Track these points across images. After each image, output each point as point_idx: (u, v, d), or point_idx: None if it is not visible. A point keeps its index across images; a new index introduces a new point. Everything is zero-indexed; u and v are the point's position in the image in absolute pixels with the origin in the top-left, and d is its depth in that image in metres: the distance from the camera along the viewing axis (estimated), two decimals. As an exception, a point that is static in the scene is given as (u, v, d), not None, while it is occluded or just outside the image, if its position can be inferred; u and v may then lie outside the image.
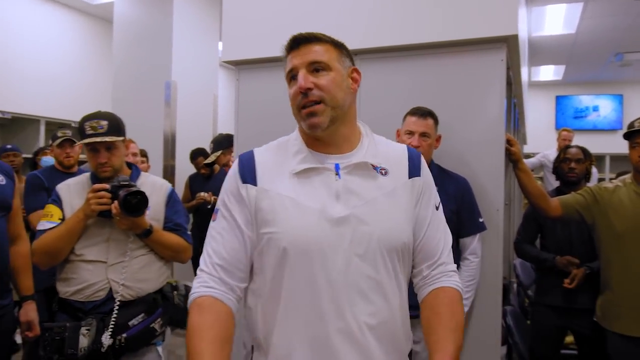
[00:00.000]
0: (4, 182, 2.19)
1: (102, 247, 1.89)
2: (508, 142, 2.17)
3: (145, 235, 1.92)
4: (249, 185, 1.13)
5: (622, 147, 2.63)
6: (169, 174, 4.56)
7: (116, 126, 1.97)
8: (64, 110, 5.47)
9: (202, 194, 4.23)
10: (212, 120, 5.09)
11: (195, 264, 4.24)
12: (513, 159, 2.25)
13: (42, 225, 1.89)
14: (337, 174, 1.11)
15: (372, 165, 1.13)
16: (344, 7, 2.33)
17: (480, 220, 2.07)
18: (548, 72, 8.20)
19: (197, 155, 4.46)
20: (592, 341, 2.56)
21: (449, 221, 2.00)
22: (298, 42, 1.14)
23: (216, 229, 1.14)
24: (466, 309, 2.06)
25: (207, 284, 1.10)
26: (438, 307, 1.13)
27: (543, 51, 6.77)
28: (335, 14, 2.34)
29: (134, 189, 1.81)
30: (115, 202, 1.80)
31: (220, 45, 5.16)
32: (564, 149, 2.93)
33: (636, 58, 7.01)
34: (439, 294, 1.15)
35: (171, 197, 2.10)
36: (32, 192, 3.08)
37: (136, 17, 4.71)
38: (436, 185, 2.04)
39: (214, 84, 5.08)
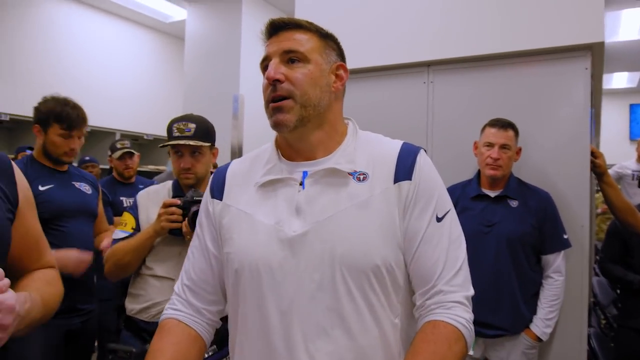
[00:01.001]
0: (90, 192, 2.33)
1: (173, 263, 1.72)
2: (592, 154, 2.07)
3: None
4: (215, 200, 1.04)
5: None
6: (235, 185, 4.67)
7: (205, 130, 1.81)
8: (138, 123, 5.74)
9: None
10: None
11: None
12: (598, 172, 2.14)
13: (116, 234, 1.82)
14: (302, 183, 0.95)
15: (349, 172, 0.95)
16: (416, 18, 2.31)
17: (565, 236, 1.98)
18: (621, 80, 7.80)
19: None
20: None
21: (529, 236, 1.96)
22: (277, 28, 1.00)
23: (190, 248, 1.08)
24: (550, 329, 1.98)
25: (174, 306, 1.03)
26: (418, 344, 0.88)
27: (617, 57, 6.45)
28: (407, 26, 2.33)
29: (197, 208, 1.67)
30: (187, 219, 1.66)
31: (285, 59, 5.27)
32: (651, 160, 2.76)
33: None
34: (426, 329, 0.89)
35: None
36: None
37: (206, 34, 4.90)
38: (516, 199, 2.01)
39: (278, 96, 5.17)
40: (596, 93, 2.99)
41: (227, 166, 1.09)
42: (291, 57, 0.96)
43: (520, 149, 2.06)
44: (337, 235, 0.90)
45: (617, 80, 7.83)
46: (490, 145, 1.99)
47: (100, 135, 5.27)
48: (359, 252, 0.89)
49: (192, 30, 5.00)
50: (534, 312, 1.99)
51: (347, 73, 1.03)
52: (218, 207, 1.03)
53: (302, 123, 0.94)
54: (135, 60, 5.83)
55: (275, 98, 0.93)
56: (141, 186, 3.42)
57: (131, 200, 3.29)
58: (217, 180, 1.06)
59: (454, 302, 0.90)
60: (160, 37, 6.14)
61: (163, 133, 6.28)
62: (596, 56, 2.10)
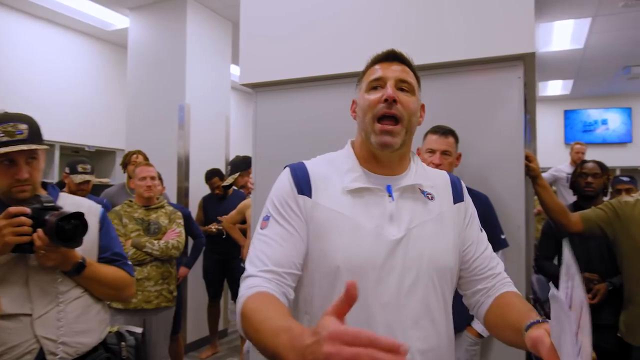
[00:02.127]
0: None
1: (21, 294, 1.44)
2: (527, 158, 2.18)
3: (76, 271, 1.51)
4: (305, 197, 1.09)
5: (632, 159, 2.63)
6: (183, 195, 4.60)
7: (38, 130, 1.55)
8: (79, 135, 5.54)
9: (212, 227, 4.28)
10: (225, 141, 5.14)
11: (211, 291, 4.18)
12: (532, 175, 2.26)
13: None
14: (391, 195, 1.10)
15: (420, 190, 1.13)
16: (360, 29, 2.37)
17: (503, 237, 2.07)
18: (556, 87, 8.22)
19: (212, 175, 4.50)
20: (615, 357, 2.52)
21: (470, 238, 2.04)
22: (392, 57, 1.15)
23: (269, 236, 1.07)
24: (491, 326, 2.05)
25: (259, 284, 1.01)
26: (509, 300, 1.10)
27: (551, 66, 6.80)
28: (351, 35, 2.38)
29: (66, 211, 1.43)
30: (39, 231, 1.40)
31: (232, 68, 5.25)
32: (580, 163, 2.94)
33: (644, 71, 7.03)
34: (505, 295, 1.13)
35: (104, 221, 1.70)
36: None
37: (150, 42, 4.80)
38: (457, 202, 2.08)
39: (226, 106, 5.14)
40: (530, 100, 3.15)
41: (303, 165, 1.15)
42: (403, 87, 1.11)
43: (460, 155, 2.14)
44: (425, 241, 1.08)
45: (552, 88, 8.25)
46: (432, 151, 2.06)
47: (38, 147, 5.06)
48: (441, 256, 1.10)
49: (135, 38, 4.90)
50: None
51: (424, 112, 1.22)
52: (308, 203, 1.09)
53: (401, 145, 1.10)
54: (76, 70, 5.63)
55: (388, 115, 1.07)
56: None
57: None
58: (302, 178, 1.12)
59: (509, 280, 1.19)
60: (102, 46, 5.97)
61: (106, 144, 6.13)
62: (528, 65, 2.21)
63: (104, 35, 5.80)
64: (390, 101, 1.07)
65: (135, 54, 4.89)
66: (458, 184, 1.23)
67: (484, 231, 1.23)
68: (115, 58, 6.06)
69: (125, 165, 3.88)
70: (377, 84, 1.11)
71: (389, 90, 1.08)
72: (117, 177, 5.69)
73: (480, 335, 2.05)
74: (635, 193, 2.41)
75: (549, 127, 8.96)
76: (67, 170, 3.39)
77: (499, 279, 1.17)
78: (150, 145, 4.48)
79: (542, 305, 3.68)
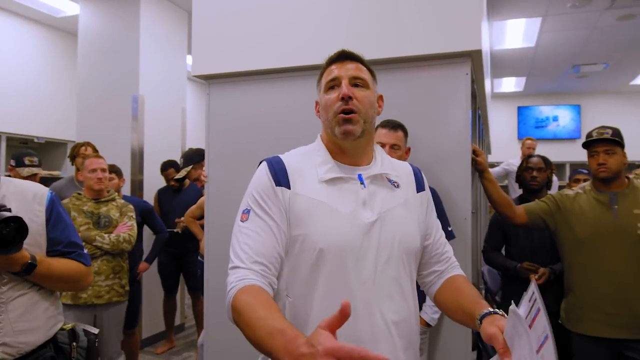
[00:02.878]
0: None
1: None
2: (474, 152, 2.24)
3: (26, 272, 1.45)
4: (284, 188, 1.17)
5: (581, 155, 2.75)
6: (137, 189, 4.50)
7: None
8: (27, 125, 5.33)
9: (178, 226, 4.23)
10: (181, 133, 5.06)
11: (167, 285, 4.13)
12: (479, 169, 2.33)
13: None
14: (362, 183, 1.20)
15: (387, 178, 1.24)
16: (312, 23, 2.37)
17: (449, 228, 2.12)
18: (510, 84, 8.46)
19: (167, 166, 4.43)
20: (556, 343, 2.64)
21: (418, 230, 2.09)
22: (344, 57, 1.25)
23: (250, 228, 1.14)
24: (437, 315, 2.11)
25: (247, 277, 1.07)
26: (459, 284, 1.25)
27: (504, 64, 6.99)
28: (304, 29, 2.38)
29: (2, 214, 1.34)
30: None
31: (188, 58, 5.16)
32: (526, 158, 3.04)
33: (592, 70, 7.32)
34: (455, 278, 1.28)
35: (53, 208, 1.59)
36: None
37: (102, 31, 4.66)
38: (406, 195, 2.13)
39: (182, 97, 5.05)
40: (480, 96, 3.24)
41: (279, 159, 1.23)
42: (357, 83, 1.21)
43: (409, 149, 2.18)
44: (396, 224, 1.19)
45: (506, 84, 8.49)
46: (381, 144, 2.09)
47: (-17, 138, 4.85)
48: (410, 238, 1.21)
49: (86, 26, 4.74)
50: (424, 299, 2.12)
51: (383, 102, 1.32)
52: (287, 194, 1.16)
53: (362, 135, 1.19)
54: (23, 58, 5.39)
55: (346, 111, 1.17)
56: None
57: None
58: (280, 171, 1.19)
59: (457, 264, 1.34)
60: (51, 33, 5.73)
61: (55, 135, 5.93)
62: (476, 62, 2.27)
63: (53, 22, 5.59)
64: (346, 98, 1.17)
65: (86, 42, 4.73)
66: (419, 175, 1.35)
67: (438, 219, 1.36)
68: (65, 46, 5.84)
69: (73, 157, 3.76)
70: (334, 84, 1.21)
71: (344, 88, 1.18)
72: (69, 169, 5.50)
73: (428, 325, 2.10)
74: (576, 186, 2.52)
75: (503, 123, 9.24)
76: (12, 162, 3.26)
77: (450, 263, 1.32)
78: (103, 137, 4.36)
79: (492, 295, 3.81)
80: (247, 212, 1.17)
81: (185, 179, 4.11)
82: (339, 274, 1.12)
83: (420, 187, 1.31)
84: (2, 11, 5.14)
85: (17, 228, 1.37)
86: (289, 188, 1.17)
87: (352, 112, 1.17)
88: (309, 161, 1.23)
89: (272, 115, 2.49)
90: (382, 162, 1.27)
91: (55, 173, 5.56)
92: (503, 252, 3.01)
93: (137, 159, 4.51)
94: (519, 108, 9.38)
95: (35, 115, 5.44)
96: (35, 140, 5.41)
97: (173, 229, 4.26)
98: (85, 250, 1.71)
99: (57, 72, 5.80)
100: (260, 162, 1.25)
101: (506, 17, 5.22)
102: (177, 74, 4.98)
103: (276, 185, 1.17)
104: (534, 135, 8.92)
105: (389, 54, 2.22)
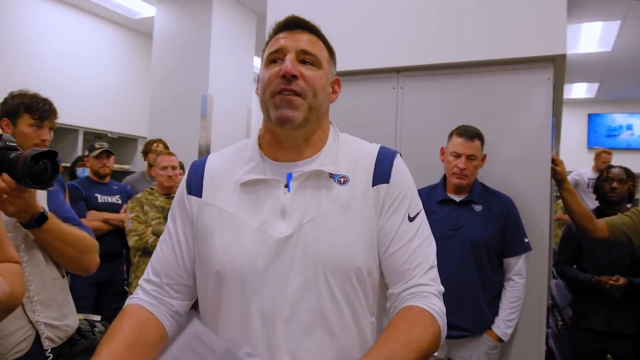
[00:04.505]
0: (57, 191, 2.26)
1: None
2: (553, 161, 2.15)
3: (37, 222, 1.33)
4: (193, 197, 1.00)
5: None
6: (202, 185, 4.63)
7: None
8: (102, 121, 5.62)
9: None
10: (245, 133, 5.16)
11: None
12: (558, 179, 2.23)
13: None
14: (287, 185, 0.95)
15: (329, 174, 0.96)
16: (386, 25, 2.35)
17: (526, 240, 2.04)
18: (580, 90, 8.08)
19: None
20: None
21: (493, 241, 2.02)
22: (294, 24, 1.00)
23: (160, 242, 1.04)
24: (511, 330, 2.04)
25: (137, 295, 1.00)
26: (395, 322, 0.90)
27: (577, 69, 6.69)
28: (376, 32, 2.37)
29: (37, 149, 1.28)
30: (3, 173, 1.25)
31: (255, 60, 5.26)
32: (606, 168, 2.89)
33: (672, 77, 6.88)
34: (402, 312, 0.92)
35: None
36: (72, 202, 3.20)
37: (175, 32, 4.83)
38: (480, 203, 2.06)
39: (248, 98, 5.16)
40: (557, 103, 3.10)
41: (204, 160, 1.04)
42: (306, 59, 0.96)
43: (485, 156, 2.12)
44: (321, 237, 0.91)
45: (576, 90, 8.11)
46: (457, 155, 2.04)
47: (62, 132, 5.12)
48: (342, 255, 0.91)
49: (161, 27, 4.93)
50: (496, 313, 2.05)
51: (340, 88, 1.07)
52: (196, 204, 0.99)
53: (304, 123, 0.95)
54: (100, 57, 5.70)
55: (287, 91, 0.92)
56: (115, 187, 3.48)
57: (106, 197, 3.31)
58: (195, 176, 1.02)
59: (429, 293, 0.93)
60: (127, 34, 6.03)
61: (128, 131, 6.20)
62: (558, 67, 2.18)
63: (130, 24, 5.86)
64: (289, 77, 0.92)
65: (160, 43, 4.92)
66: (386, 162, 1.00)
67: (417, 225, 0.99)
68: (140, 46, 6.12)
69: (146, 153, 3.92)
70: (276, 57, 0.96)
71: (287, 63, 0.92)
72: (138, 164, 5.75)
73: (500, 339, 2.03)
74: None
75: (572, 131, 8.81)
76: (86, 153, 3.45)
77: (414, 291, 0.93)
78: (172, 134, 4.51)
79: (559, 310, 3.65)
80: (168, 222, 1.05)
81: None
82: (237, 303, 0.91)
83: (379, 179, 0.97)
84: (82, 12, 5.45)
85: (50, 165, 1.31)
86: (200, 196, 0.99)
87: (295, 94, 0.92)
88: (237, 159, 1.01)
89: (343, 117, 2.48)
90: (329, 153, 0.99)
91: (125, 167, 5.81)
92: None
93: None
94: (590, 115, 8.93)
95: (109, 112, 5.73)
96: (109, 135, 5.69)
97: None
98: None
99: (132, 71, 6.08)
100: None
101: (582, 21, 4.98)
102: (245, 75, 5.09)
103: (187, 194, 1.01)
104: (605, 145, 8.48)
105: (469, 58, 2.17)
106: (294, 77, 0.92)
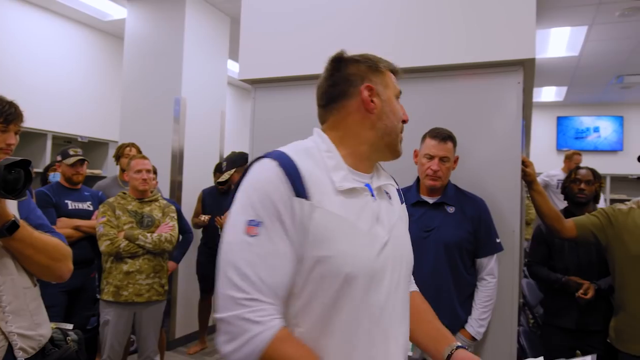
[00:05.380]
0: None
1: None
2: (523, 163, 2.19)
3: (8, 231, 1.30)
4: (303, 200, 0.95)
5: (622, 168, 2.66)
6: (176, 189, 4.58)
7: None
8: (72, 125, 5.49)
9: (202, 217, 4.26)
10: (220, 137, 5.12)
11: (204, 286, 4.13)
12: (528, 180, 2.27)
13: None
14: (372, 195, 1.06)
15: (384, 190, 1.14)
16: (362, 30, 2.37)
17: (498, 240, 2.08)
18: (550, 94, 8.27)
19: (218, 169, 4.50)
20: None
21: (466, 242, 2.05)
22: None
23: (265, 249, 0.93)
24: (483, 329, 2.07)
25: (275, 316, 0.92)
26: (421, 305, 1.24)
27: (546, 73, 6.84)
28: (351, 35, 2.38)
29: (11, 158, 1.27)
30: None
31: (229, 63, 5.23)
32: (574, 169, 2.96)
33: (637, 81, 7.09)
34: (414, 295, 1.24)
35: None
36: (41, 208, 3.12)
37: (147, 34, 4.77)
38: (453, 205, 2.09)
39: (222, 101, 5.12)
40: (527, 106, 3.17)
41: (289, 160, 0.98)
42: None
43: (457, 158, 2.15)
44: (400, 241, 1.10)
45: (546, 94, 8.30)
46: (430, 157, 2.06)
47: (30, 137, 5.00)
48: (410, 255, 1.15)
49: (132, 29, 4.86)
50: (469, 312, 2.08)
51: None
52: (305, 206, 0.95)
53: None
54: (70, 59, 5.57)
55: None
56: (86, 193, 3.41)
57: (77, 204, 3.24)
58: (296, 178, 0.96)
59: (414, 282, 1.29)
60: (98, 36, 5.91)
61: (99, 135, 6.08)
62: (527, 71, 2.23)
63: (101, 26, 5.75)
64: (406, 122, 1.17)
65: (132, 45, 4.85)
66: (396, 184, 1.24)
67: None
68: (111, 49, 6.01)
69: (118, 157, 3.85)
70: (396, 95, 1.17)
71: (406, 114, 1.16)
72: (110, 168, 5.65)
73: (473, 338, 2.06)
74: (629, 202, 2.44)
75: (542, 133, 9.02)
76: (59, 157, 3.37)
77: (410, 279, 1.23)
78: (144, 138, 4.45)
79: (531, 309, 3.72)
80: (256, 224, 0.93)
81: (227, 182, 4.16)
82: (362, 300, 0.98)
83: (402, 198, 1.22)
84: (51, 14, 5.33)
85: (23, 174, 1.29)
86: (307, 199, 0.95)
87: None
88: (317, 163, 1.02)
89: (317, 120, 2.49)
90: (381, 170, 1.15)
91: (96, 172, 5.70)
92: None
93: (177, 160, 4.58)
94: (559, 118, 9.16)
95: (79, 116, 5.61)
96: (79, 139, 5.56)
97: (217, 230, 4.30)
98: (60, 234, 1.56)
99: (103, 74, 5.97)
100: (259, 158, 1.02)
101: (551, 26, 5.11)
102: (218, 78, 5.06)
103: (295, 196, 0.95)
104: (574, 147, 8.70)
105: (440, 62, 2.20)
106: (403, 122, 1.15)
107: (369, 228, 1.01)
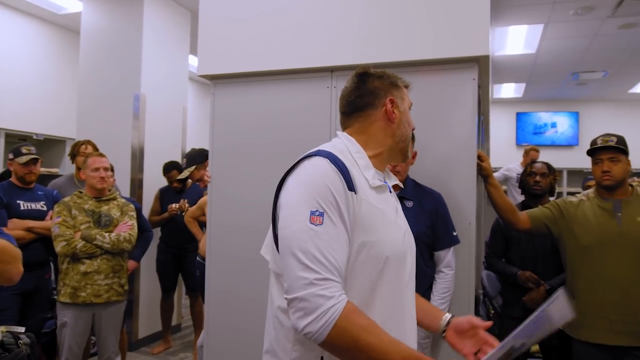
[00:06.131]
0: None
1: None
2: (479, 157, 2.24)
3: None
4: (353, 193, 1.11)
5: (578, 162, 2.76)
6: (136, 187, 4.48)
7: None
8: (26, 122, 5.29)
9: (173, 205, 4.21)
10: (181, 133, 5.04)
11: (165, 285, 4.09)
12: (484, 174, 2.33)
13: None
14: (391, 191, 1.28)
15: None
16: (319, 25, 2.37)
17: (454, 233, 2.12)
18: (509, 90, 8.48)
19: (170, 168, 4.41)
20: (557, 350, 2.64)
21: (424, 235, 2.09)
22: None
23: (330, 235, 1.05)
24: (442, 321, 2.11)
25: (343, 292, 1.04)
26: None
27: (505, 70, 7.01)
28: (311, 31, 2.38)
29: None
30: None
31: (190, 58, 5.15)
32: (529, 163, 3.05)
33: (591, 77, 7.34)
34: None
35: None
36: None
37: (104, 28, 4.64)
38: (412, 200, 2.13)
39: (183, 97, 5.04)
40: (484, 102, 3.24)
41: (340, 160, 1.13)
42: None
43: (415, 153, 2.18)
44: (409, 231, 1.28)
45: (505, 90, 8.50)
46: None
47: (-19, 134, 4.81)
48: (413, 243, 1.30)
49: (88, 23, 4.72)
50: (427, 305, 2.12)
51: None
52: (354, 199, 1.11)
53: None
54: (23, 54, 5.36)
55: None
56: (40, 192, 3.30)
57: (29, 204, 3.13)
58: (346, 174, 1.12)
59: None
60: (53, 30, 5.71)
61: (55, 132, 5.89)
62: (482, 68, 2.27)
63: (55, 19, 5.56)
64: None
65: (88, 39, 4.71)
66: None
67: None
68: (66, 43, 5.81)
69: (73, 156, 3.74)
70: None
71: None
72: (67, 167, 5.48)
73: None
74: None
75: (502, 129, 9.24)
76: (10, 156, 3.24)
77: None
78: (103, 135, 4.34)
79: (490, 300, 3.81)
80: (320, 214, 1.05)
81: (187, 180, 4.11)
82: (396, 280, 1.17)
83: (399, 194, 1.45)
84: (3, 7, 5.11)
85: None
86: (356, 192, 1.11)
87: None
88: (351, 162, 1.17)
89: (277, 116, 2.48)
90: (388, 171, 1.35)
91: (53, 170, 5.53)
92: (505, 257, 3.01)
93: (138, 157, 4.49)
94: (518, 114, 9.40)
95: (34, 112, 5.41)
96: (34, 137, 5.38)
97: (175, 228, 4.25)
98: (10, 236, 1.50)
99: (58, 69, 5.77)
100: (308, 157, 1.15)
101: (508, 24, 5.22)
102: (179, 73, 4.97)
103: (349, 190, 1.10)
104: (532, 142, 8.94)
105: (395, 58, 2.22)
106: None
107: (395, 219, 1.22)
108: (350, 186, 1.10)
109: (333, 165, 1.10)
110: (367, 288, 1.11)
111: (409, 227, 1.28)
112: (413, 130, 1.34)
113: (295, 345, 1.12)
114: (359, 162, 1.19)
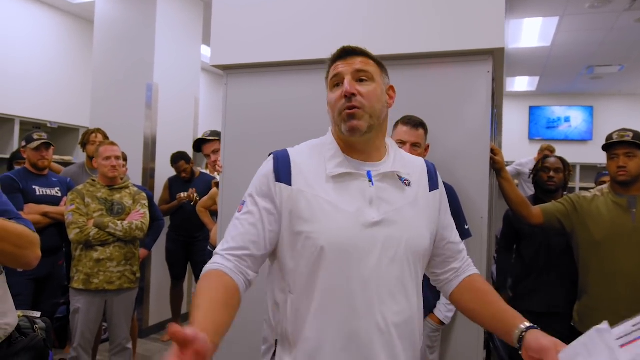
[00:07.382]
0: None
1: None
2: (492, 151, 2.23)
3: None
4: (283, 185, 1.16)
5: (592, 157, 2.73)
6: (148, 176, 4.52)
7: None
8: (40, 110, 5.35)
9: (181, 194, 4.25)
10: (193, 123, 5.06)
11: (175, 273, 4.16)
12: (497, 168, 2.31)
13: None
14: (370, 180, 1.18)
15: (399, 176, 1.21)
16: (334, 16, 2.36)
17: (466, 227, 2.11)
18: (522, 83, 8.39)
19: (178, 159, 4.44)
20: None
21: (435, 227, 2.08)
22: (346, 53, 1.22)
23: (239, 219, 1.17)
24: (451, 313, 2.11)
25: (217, 262, 1.12)
26: (481, 286, 1.28)
27: (518, 63, 6.94)
28: (322, 22, 2.37)
29: None
30: None
31: (202, 48, 5.15)
32: (543, 158, 3.02)
33: (606, 71, 7.25)
34: (474, 279, 1.30)
35: None
36: (8, 194, 3.06)
37: (118, 18, 4.66)
38: (424, 192, 2.11)
39: (195, 87, 5.05)
40: (497, 95, 3.21)
41: (286, 154, 1.21)
42: (361, 77, 1.18)
43: (428, 146, 2.17)
44: (403, 224, 1.17)
45: (518, 83, 8.42)
46: (402, 142, 2.08)
47: (-4, 121, 4.87)
48: (417, 238, 1.19)
49: (102, 12, 4.74)
50: (438, 297, 2.12)
51: (395, 93, 1.28)
52: (287, 191, 1.15)
53: (369, 130, 1.17)
54: (38, 43, 5.41)
55: (350, 107, 1.15)
56: (54, 179, 3.34)
57: (45, 190, 3.17)
58: (282, 166, 1.18)
59: (472, 263, 1.36)
60: (67, 19, 5.75)
61: (68, 121, 5.95)
62: (497, 60, 2.25)
63: (69, 8, 5.60)
64: (349, 96, 1.15)
65: (102, 29, 4.73)
66: (434, 172, 1.32)
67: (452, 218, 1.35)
68: (80, 32, 5.86)
69: (84, 144, 3.77)
70: (337, 80, 1.20)
71: (346, 85, 1.15)
72: (80, 155, 5.52)
73: (442, 323, 2.10)
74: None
75: (514, 122, 9.17)
76: (23, 143, 3.28)
77: (465, 261, 1.33)
78: (116, 124, 4.38)
79: (500, 294, 3.81)
80: (242, 203, 1.20)
81: (191, 171, 4.13)
82: (339, 272, 1.12)
83: (433, 185, 1.28)
84: (18, -5, 5.15)
85: None
86: (290, 184, 1.16)
87: (356, 108, 1.15)
88: (318, 155, 1.21)
89: (289, 107, 2.48)
90: (395, 158, 1.24)
91: (67, 158, 5.59)
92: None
93: (150, 147, 4.52)
94: (531, 108, 9.31)
95: (48, 101, 5.47)
96: (48, 125, 5.44)
97: (184, 216, 4.28)
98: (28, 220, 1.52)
99: (72, 58, 5.81)
100: (270, 155, 1.24)
101: (523, 16, 5.17)
102: (192, 63, 4.98)
103: (275, 181, 1.17)
104: (545, 136, 8.87)
105: (410, 50, 2.20)
106: (353, 95, 1.15)
107: (355, 209, 1.14)
108: (279, 178, 1.17)
109: (273, 162, 1.20)
110: (307, 276, 1.14)
111: (404, 219, 1.17)
112: (347, 96, 1.15)
113: (264, 324, 1.20)
114: (326, 154, 1.21)
